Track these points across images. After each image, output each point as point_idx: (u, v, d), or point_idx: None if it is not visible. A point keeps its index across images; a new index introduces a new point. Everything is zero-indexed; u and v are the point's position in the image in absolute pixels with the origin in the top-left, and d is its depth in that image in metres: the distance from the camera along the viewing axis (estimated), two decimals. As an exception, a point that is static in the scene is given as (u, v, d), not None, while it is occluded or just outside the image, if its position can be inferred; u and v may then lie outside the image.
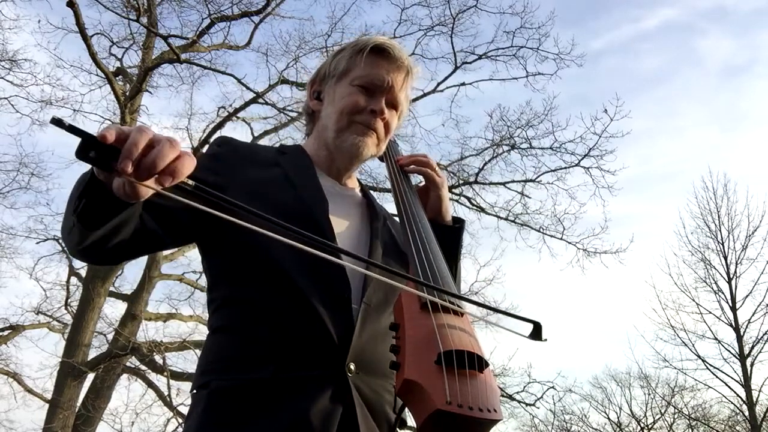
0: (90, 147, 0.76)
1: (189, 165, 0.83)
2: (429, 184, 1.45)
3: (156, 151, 0.80)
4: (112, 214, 0.94)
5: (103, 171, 0.82)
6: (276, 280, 1.15)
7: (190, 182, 0.83)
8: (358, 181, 1.52)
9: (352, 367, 1.10)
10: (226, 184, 1.22)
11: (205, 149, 1.40)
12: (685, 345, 14.58)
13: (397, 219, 1.41)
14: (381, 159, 1.51)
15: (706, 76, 23.92)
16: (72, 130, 0.73)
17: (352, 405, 1.07)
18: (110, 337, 10.11)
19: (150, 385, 10.59)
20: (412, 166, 1.47)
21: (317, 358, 1.09)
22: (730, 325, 14.18)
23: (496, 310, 1.06)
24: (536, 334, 1.00)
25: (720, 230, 14.73)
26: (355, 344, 1.12)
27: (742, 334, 14.03)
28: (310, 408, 1.04)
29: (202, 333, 10.65)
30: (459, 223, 1.47)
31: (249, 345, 1.12)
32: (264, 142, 10.91)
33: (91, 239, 0.98)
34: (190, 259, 11.60)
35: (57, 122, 0.72)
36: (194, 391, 1.15)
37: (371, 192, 1.51)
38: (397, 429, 1.13)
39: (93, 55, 9.03)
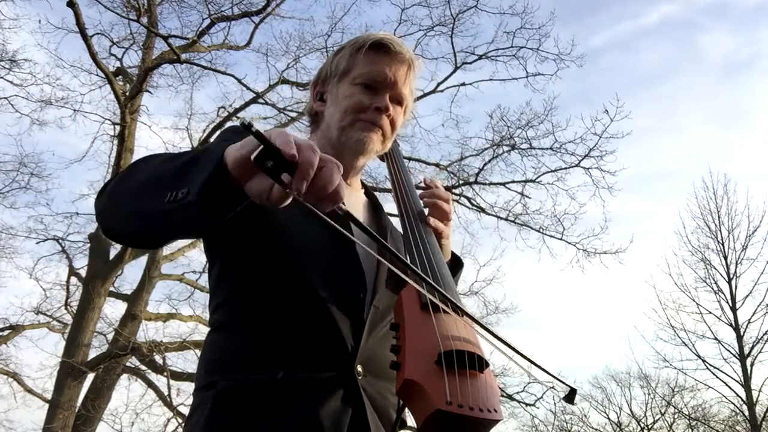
0: (269, 156, 0.78)
1: (344, 190, 0.85)
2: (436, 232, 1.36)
3: (326, 176, 0.82)
4: (232, 206, 0.89)
5: (272, 179, 0.80)
6: (290, 276, 1.12)
7: (343, 207, 0.85)
8: (361, 182, 1.50)
9: (360, 369, 1.10)
10: None
11: (219, 133, 1.35)
12: (685, 345, 14.60)
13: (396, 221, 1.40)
14: (381, 159, 1.51)
15: (707, 73, 23.93)
16: (258, 136, 0.76)
17: (362, 407, 1.07)
18: (110, 337, 10.12)
19: (150, 385, 10.59)
20: (429, 204, 1.38)
21: (328, 359, 1.08)
22: (730, 325, 14.18)
23: (533, 363, 1.02)
24: (570, 397, 1.04)
25: (720, 230, 14.75)
26: (363, 347, 1.11)
27: (742, 334, 14.03)
28: (320, 410, 1.03)
29: (202, 333, 10.65)
30: (456, 264, 1.43)
31: (258, 344, 1.10)
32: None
33: (188, 222, 0.90)
34: (190, 259, 11.62)
35: (246, 126, 0.75)
36: (198, 390, 1.12)
37: (375, 193, 1.49)
38: (397, 429, 1.13)
39: (93, 55, 9.03)
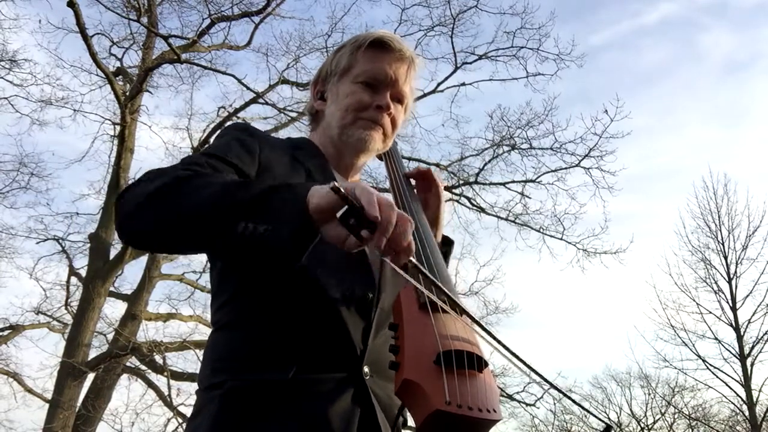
0: (352, 215, 0.86)
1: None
2: (433, 198, 1.43)
3: (402, 232, 0.91)
4: (309, 243, 0.94)
5: (353, 235, 0.89)
6: (297, 275, 1.10)
7: (413, 260, 0.94)
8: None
9: (367, 370, 1.09)
10: (258, 179, 1.20)
11: (220, 130, 1.35)
12: (686, 345, 14.59)
13: None
14: (380, 158, 1.50)
15: (707, 72, 23.90)
16: (345, 198, 0.85)
17: (371, 408, 1.06)
18: (110, 337, 10.11)
19: (150, 385, 10.58)
20: (419, 178, 1.45)
21: (337, 360, 1.08)
22: (730, 325, 14.17)
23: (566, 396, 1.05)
24: None
25: (720, 230, 14.74)
26: (370, 348, 1.11)
27: (742, 334, 14.02)
28: (330, 411, 1.02)
29: (202, 333, 10.65)
30: (447, 244, 1.45)
31: (266, 344, 1.08)
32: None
33: (267, 254, 0.97)
34: (190, 259, 11.60)
35: (335, 190, 0.85)
36: (204, 390, 1.10)
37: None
38: (397, 428, 1.13)
39: (93, 55, 9.02)
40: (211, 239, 0.99)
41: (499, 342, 0.97)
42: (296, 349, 1.07)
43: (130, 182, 1.07)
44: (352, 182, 0.92)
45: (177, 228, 1.01)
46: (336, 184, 0.85)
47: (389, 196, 1.45)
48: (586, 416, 17.26)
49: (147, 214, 1.02)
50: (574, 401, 1.05)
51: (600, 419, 1.05)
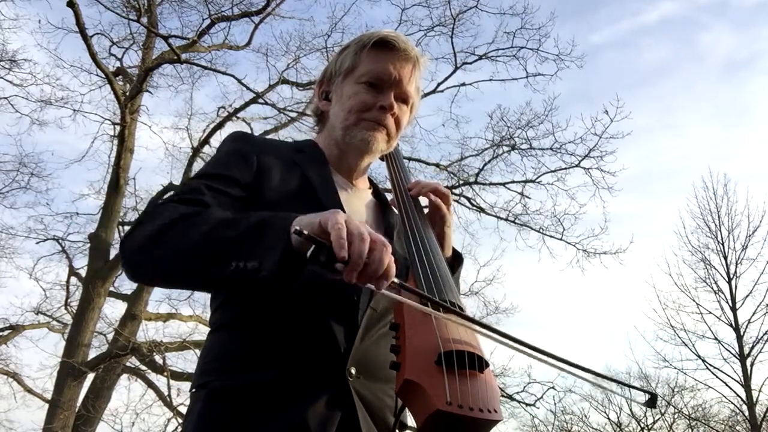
0: (322, 252, 0.87)
1: (395, 264, 0.93)
2: (438, 220, 1.37)
3: (377, 260, 0.90)
4: (299, 272, 0.96)
5: (325, 270, 0.89)
6: None
7: (396, 281, 0.94)
8: (370, 180, 1.48)
9: (353, 371, 1.09)
10: (256, 185, 1.21)
11: (220, 142, 1.37)
12: (685, 345, 14.58)
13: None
14: (381, 159, 1.50)
15: (708, 71, 23.82)
16: (310, 239, 0.86)
17: (353, 409, 1.06)
18: (110, 337, 10.11)
19: (150, 385, 10.58)
20: (431, 196, 1.38)
21: (319, 361, 1.08)
22: (730, 325, 14.17)
23: (608, 379, 1.06)
24: (652, 402, 1.05)
25: (720, 230, 14.73)
26: (356, 349, 1.11)
27: (742, 334, 14.02)
28: (308, 411, 1.03)
29: (202, 333, 10.63)
30: (457, 260, 1.42)
31: (251, 345, 1.10)
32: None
33: (258, 288, 1.00)
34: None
35: (298, 233, 0.86)
36: (193, 390, 1.13)
37: (385, 194, 1.47)
38: (396, 431, 1.13)
39: (93, 55, 9.02)
40: (205, 277, 1.03)
41: (505, 336, 0.97)
42: (280, 350, 1.09)
43: (133, 221, 1.16)
44: (325, 215, 0.92)
45: (174, 268, 1.05)
46: (297, 227, 0.87)
47: (389, 196, 1.45)
48: (586, 416, 17.28)
49: (147, 256, 1.06)
50: (610, 378, 1.05)
51: (643, 390, 1.06)
